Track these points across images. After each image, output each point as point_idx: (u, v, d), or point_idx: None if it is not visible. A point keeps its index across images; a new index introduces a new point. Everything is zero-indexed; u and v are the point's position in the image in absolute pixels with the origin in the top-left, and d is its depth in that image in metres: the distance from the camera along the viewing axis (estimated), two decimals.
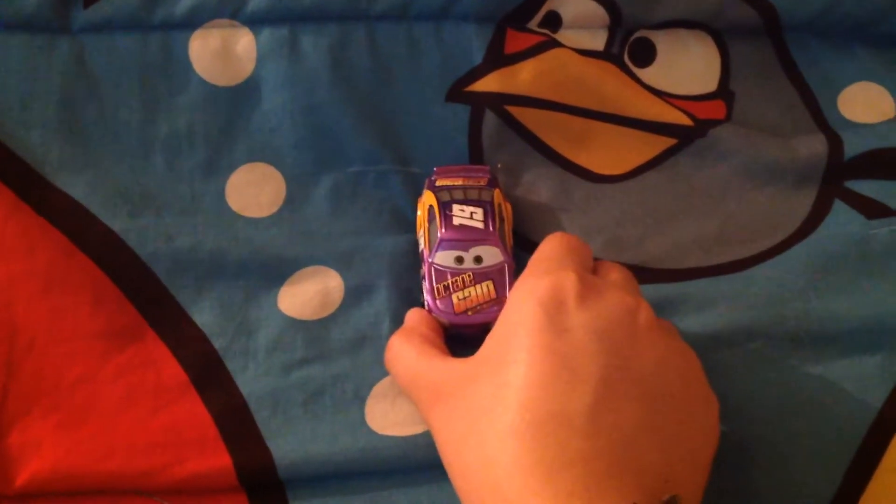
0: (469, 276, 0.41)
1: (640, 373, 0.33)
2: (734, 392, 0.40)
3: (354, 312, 0.43)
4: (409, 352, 0.39)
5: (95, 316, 0.42)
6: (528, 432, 0.31)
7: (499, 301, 0.41)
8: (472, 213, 0.43)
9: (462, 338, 0.41)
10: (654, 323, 0.34)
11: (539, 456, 0.30)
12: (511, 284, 0.41)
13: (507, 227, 0.44)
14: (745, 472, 0.39)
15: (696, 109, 0.48)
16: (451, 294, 0.41)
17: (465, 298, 0.41)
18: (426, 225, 0.43)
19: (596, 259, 0.39)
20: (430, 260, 0.42)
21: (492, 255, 0.42)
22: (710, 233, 0.45)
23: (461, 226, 0.42)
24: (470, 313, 0.41)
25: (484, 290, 0.41)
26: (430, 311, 0.41)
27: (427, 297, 0.42)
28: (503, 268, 0.42)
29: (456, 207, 0.43)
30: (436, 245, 0.42)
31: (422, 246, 0.43)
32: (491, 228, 0.42)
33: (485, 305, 0.41)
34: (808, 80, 0.49)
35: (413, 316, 0.42)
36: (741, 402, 0.40)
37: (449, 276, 0.41)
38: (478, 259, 0.42)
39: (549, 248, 0.38)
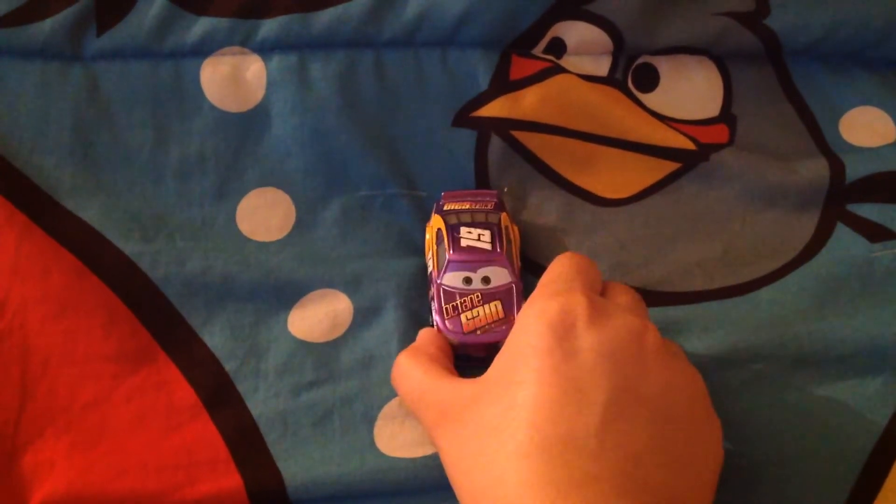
0: (477, 296, 0.42)
1: (646, 395, 0.33)
2: (738, 413, 0.40)
3: (363, 334, 0.44)
4: (416, 371, 0.39)
5: (108, 338, 0.42)
6: (536, 453, 0.31)
7: (507, 321, 0.41)
8: (479, 234, 0.43)
9: (470, 359, 0.41)
10: (660, 345, 0.35)
11: (548, 477, 0.30)
12: (519, 304, 0.42)
13: (515, 249, 0.44)
14: (749, 493, 0.39)
15: (699, 134, 0.48)
16: (459, 314, 0.41)
17: (473, 318, 0.41)
18: (434, 248, 0.44)
19: (604, 280, 0.39)
20: (438, 281, 0.42)
21: (500, 275, 0.42)
22: (714, 256, 0.46)
23: (469, 247, 0.43)
24: (479, 332, 0.41)
25: (492, 309, 0.42)
26: (439, 330, 0.42)
27: (436, 317, 0.42)
28: (511, 288, 0.42)
29: (464, 230, 0.43)
30: (444, 266, 0.43)
31: (430, 268, 0.44)
32: (499, 249, 0.43)
33: (493, 325, 0.41)
34: (809, 105, 0.49)
35: (423, 336, 0.42)
36: (745, 423, 0.40)
37: (457, 297, 0.42)
38: (486, 280, 0.42)
39: (559, 269, 0.38)
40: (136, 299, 0.43)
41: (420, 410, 0.38)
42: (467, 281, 0.42)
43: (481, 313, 0.41)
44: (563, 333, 0.34)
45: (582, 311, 0.34)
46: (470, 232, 0.43)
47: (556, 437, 0.31)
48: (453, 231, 0.43)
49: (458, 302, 0.42)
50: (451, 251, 0.43)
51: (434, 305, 0.42)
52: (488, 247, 0.43)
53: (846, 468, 0.40)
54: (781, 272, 0.45)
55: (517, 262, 0.44)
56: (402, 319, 0.44)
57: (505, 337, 0.37)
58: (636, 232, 0.47)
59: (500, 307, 0.42)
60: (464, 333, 0.41)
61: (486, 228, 0.43)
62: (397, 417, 0.41)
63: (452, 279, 0.42)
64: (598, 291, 0.38)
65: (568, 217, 0.47)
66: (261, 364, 0.43)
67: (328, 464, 0.40)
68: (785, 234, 0.46)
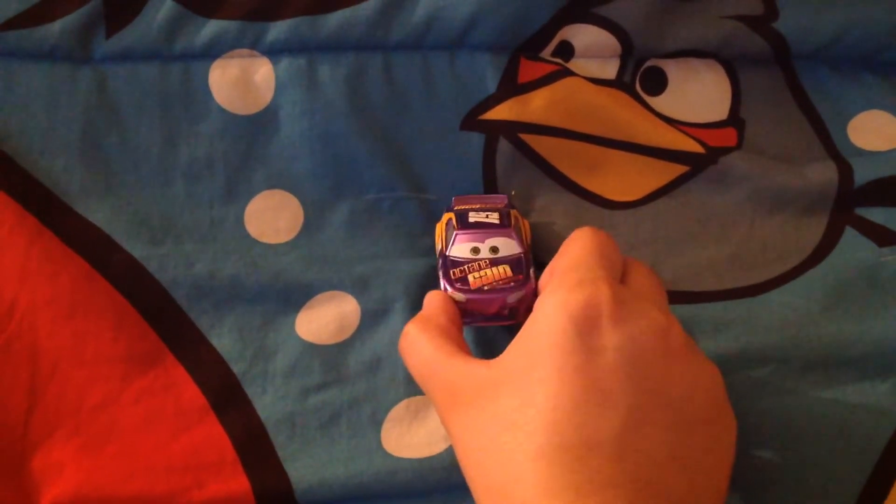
0: (485, 262, 0.41)
1: (670, 397, 0.33)
2: (747, 416, 0.40)
3: (371, 336, 0.44)
4: (426, 344, 0.38)
5: (117, 340, 0.42)
6: (556, 456, 0.31)
7: (515, 279, 0.40)
8: (487, 215, 0.43)
9: (481, 333, 0.41)
10: (683, 342, 0.34)
11: (567, 480, 0.30)
12: (528, 270, 0.41)
13: (526, 234, 0.43)
14: (758, 495, 0.39)
15: (707, 137, 0.48)
16: (466, 275, 0.41)
17: (480, 277, 0.40)
18: (444, 234, 0.43)
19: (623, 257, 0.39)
20: (446, 253, 0.42)
21: (508, 246, 0.41)
22: (722, 258, 0.46)
23: (477, 222, 0.42)
24: (486, 289, 0.40)
25: (500, 271, 0.40)
26: (445, 290, 0.41)
27: (442, 281, 0.41)
28: (520, 257, 0.41)
29: (472, 213, 0.43)
30: (452, 240, 0.42)
31: (439, 247, 0.43)
32: (508, 225, 0.42)
33: (501, 283, 0.40)
34: (818, 108, 0.49)
35: (432, 302, 0.41)
36: (754, 427, 0.40)
37: (465, 264, 0.41)
38: (494, 249, 0.41)
39: (581, 251, 0.37)
40: (144, 302, 0.43)
41: (429, 388, 0.37)
42: (475, 251, 0.41)
43: (489, 273, 0.40)
44: (587, 330, 0.33)
45: (607, 306, 0.33)
46: (478, 214, 0.43)
47: (577, 440, 0.31)
48: (462, 215, 0.43)
49: (465, 266, 0.41)
50: (459, 227, 0.42)
51: (441, 273, 0.42)
52: (497, 222, 0.42)
53: (855, 471, 0.40)
54: (791, 275, 0.45)
55: (528, 242, 0.43)
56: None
57: (513, 294, 0.37)
58: (644, 235, 0.47)
59: (508, 269, 0.41)
60: (471, 290, 0.40)
61: (495, 212, 0.43)
62: (405, 420, 0.42)
63: (460, 250, 0.41)
64: (619, 273, 0.37)
65: (576, 220, 0.47)
66: (269, 366, 0.43)
67: (336, 466, 0.40)
68: (793, 237, 0.46)
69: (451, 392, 0.35)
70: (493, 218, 0.43)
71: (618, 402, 0.32)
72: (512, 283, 0.40)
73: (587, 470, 0.30)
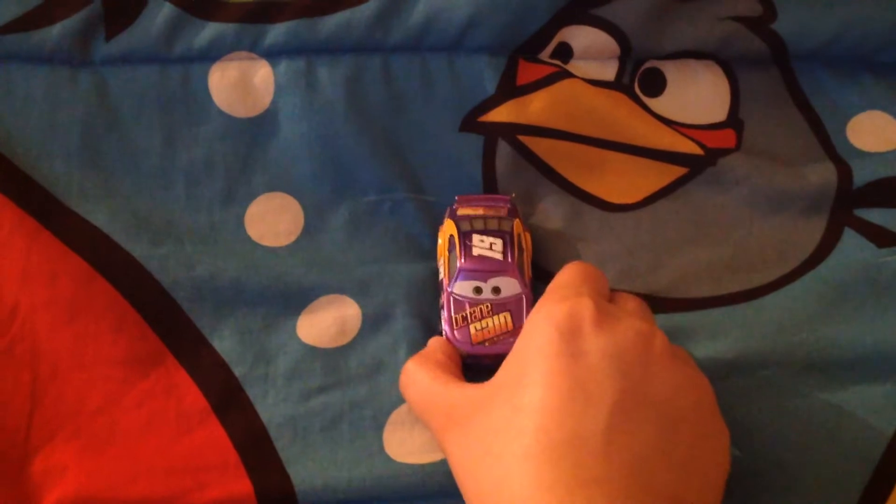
0: (487, 306, 0.42)
1: (653, 397, 0.33)
2: (747, 419, 0.40)
3: (372, 340, 0.44)
4: (423, 377, 0.39)
5: (117, 343, 0.42)
6: (543, 455, 0.31)
7: (515, 332, 0.41)
8: (491, 243, 0.43)
9: (479, 368, 0.41)
10: (668, 350, 0.35)
11: (555, 478, 0.31)
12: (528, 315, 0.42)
13: (527, 258, 0.44)
14: (756, 500, 0.39)
15: (706, 138, 0.48)
16: (468, 325, 0.42)
17: (482, 329, 0.41)
18: (446, 254, 0.44)
19: (612, 290, 0.39)
20: (449, 289, 0.42)
21: (510, 286, 0.42)
22: (721, 261, 0.46)
23: (480, 256, 0.43)
24: (487, 344, 0.41)
25: (501, 321, 0.42)
26: (447, 340, 0.42)
27: (445, 326, 0.42)
28: (521, 299, 0.42)
29: (476, 237, 0.43)
30: (455, 275, 0.43)
31: (441, 275, 0.44)
32: (510, 260, 0.43)
33: (501, 337, 0.41)
34: (816, 109, 0.49)
35: (431, 343, 0.42)
36: (754, 429, 0.40)
37: (467, 307, 0.42)
38: (496, 290, 0.42)
39: (567, 276, 0.38)
40: (145, 303, 0.43)
41: (428, 416, 0.38)
42: (477, 290, 0.42)
43: (490, 324, 0.42)
44: (570, 336, 0.34)
45: (589, 314, 0.35)
46: (482, 240, 0.43)
47: (563, 438, 0.32)
48: (465, 238, 0.43)
49: (467, 312, 0.42)
50: (463, 259, 0.43)
51: (444, 314, 0.42)
52: (499, 256, 0.43)
53: (855, 475, 0.40)
54: (789, 278, 0.45)
55: (528, 272, 0.44)
56: (411, 327, 0.44)
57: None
58: (643, 237, 0.47)
59: (509, 319, 0.42)
60: (472, 345, 0.41)
61: (498, 237, 0.43)
62: (406, 423, 0.42)
63: (463, 288, 0.42)
64: (606, 298, 0.38)
65: (575, 222, 0.47)
66: (270, 369, 0.43)
67: (338, 469, 0.40)
68: (792, 239, 0.46)
69: (448, 414, 0.37)
70: (497, 249, 0.43)
71: (601, 401, 0.32)
72: (512, 338, 0.40)
73: (574, 466, 0.31)
